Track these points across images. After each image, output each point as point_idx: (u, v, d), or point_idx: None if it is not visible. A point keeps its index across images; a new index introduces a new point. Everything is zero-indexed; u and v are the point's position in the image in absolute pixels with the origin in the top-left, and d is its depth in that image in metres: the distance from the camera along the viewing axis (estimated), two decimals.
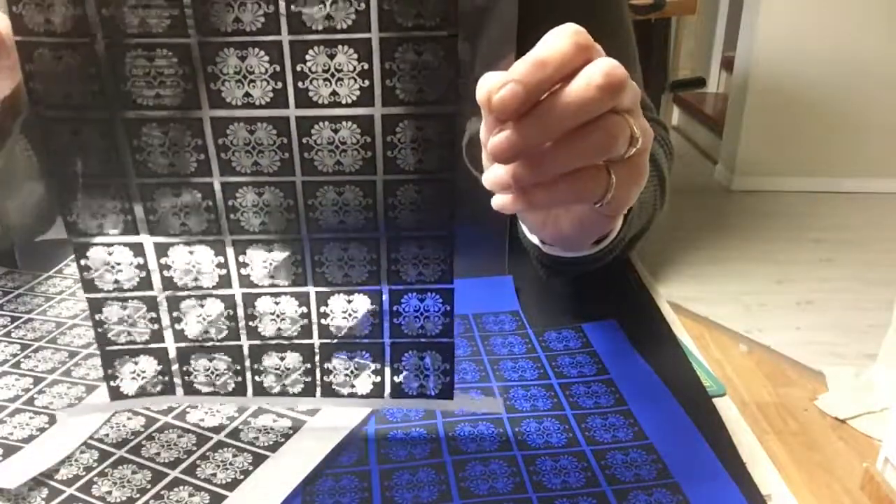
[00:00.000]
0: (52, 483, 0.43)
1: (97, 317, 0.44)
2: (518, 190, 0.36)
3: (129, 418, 0.49)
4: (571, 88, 0.33)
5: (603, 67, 0.33)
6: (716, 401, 0.51)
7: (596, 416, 0.49)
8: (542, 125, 0.33)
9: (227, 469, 0.44)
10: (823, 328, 2.25)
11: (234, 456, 0.45)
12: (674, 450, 0.45)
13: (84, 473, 0.44)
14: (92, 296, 0.43)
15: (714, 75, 4.07)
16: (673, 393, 0.51)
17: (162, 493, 0.42)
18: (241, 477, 0.43)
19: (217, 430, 0.48)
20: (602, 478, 0.43)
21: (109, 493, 0.42)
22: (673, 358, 0.56)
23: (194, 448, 0.46)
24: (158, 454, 0.45)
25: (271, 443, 0.46)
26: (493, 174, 0.36)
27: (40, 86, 0.37)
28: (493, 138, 0.34)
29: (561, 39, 0.34)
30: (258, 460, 0.45)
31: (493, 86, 0.33)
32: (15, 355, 0.56)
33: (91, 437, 0.47)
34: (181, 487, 0.43)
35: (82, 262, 0.42)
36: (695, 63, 4.07)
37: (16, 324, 0.60)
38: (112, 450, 0.46)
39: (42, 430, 0.47)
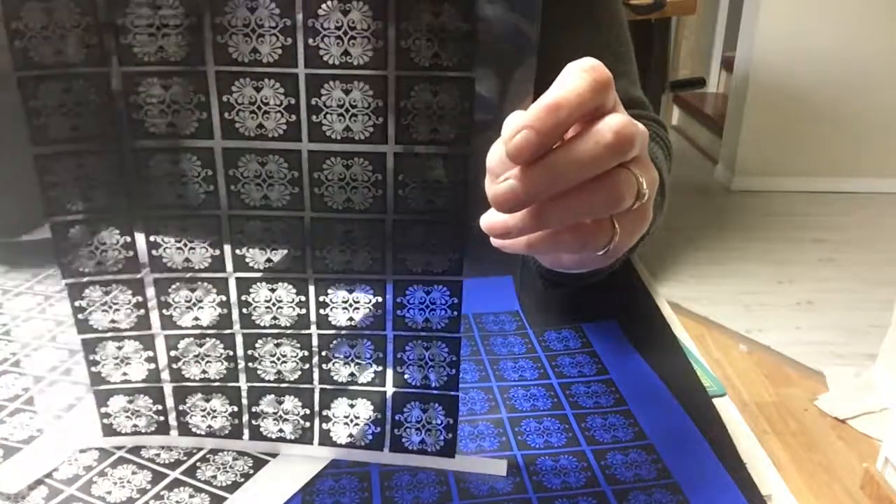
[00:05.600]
0: (51, 482, 0.43)
1: (91, 357, 0.43)
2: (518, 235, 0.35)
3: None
4: (580, 146, 0.32)
5: (613, 125, 0.33)
6: (716, 401, 0.51)
7: (596, 416, 0.49)
8: (547, 179, 0.32)
9: (227, 471, 0.44)
10: (823, 328, 2.25)
11: (235, 459, 0.45)
12: (674, 450, 0.45)
13: (84, 473, 0.44)
14: (86, 336, 0.42)
15: (714, 75, 4.07)
16: (673, 393, 0.51)
17: (162, 493, 0.42)
18: (242, 480, 0.43)
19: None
20: (602, 478, 0.43)
21: (109, 493, 0.42)
22: (673, 358, 0.56)
23: (195, 450, 0.46)
24: (158, 455, 0.45)
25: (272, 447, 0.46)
26: (492, 220, 0.35)
27: (46, 121, 0.36)
28: (495, 187, 0.33)
29: (578, 78, 0.33)
30: (258, 464, 0.45)
31: (510, 131, 0.32)
32: (14, 354, 0.56)
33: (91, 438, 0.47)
34: (181, 488, 0.43)
35: (77, 303, 0.41)
36: (695, 63, 4.07)
37: (16, 322, 0.60)
38: (112, 450, 0.46)
39: (42, 430, 0.47)
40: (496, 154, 0.36)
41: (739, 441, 0.47)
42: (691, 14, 2.75)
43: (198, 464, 0.45)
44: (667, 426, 0.48)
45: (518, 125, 0.32)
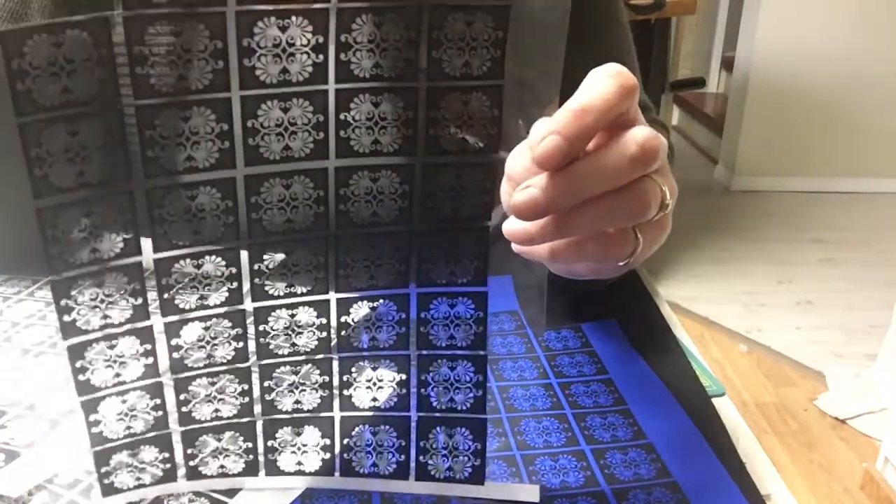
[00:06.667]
0: (51, 487, 0.43)
1: (92, 417, 0.39)
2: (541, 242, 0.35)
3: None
4: (605, 157, 0.32)
5: (638, 138, 0.33)
6: (715, 401, 0.51)
7: (595, 416, 0.49)
8: (570, 188, 0.32)
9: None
10: (823, 328, 2.25)
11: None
12: (673, 449, 0.46)
13: (84, 477, 0.44)
14: (87, 398, 0.38)
15: (714, 75, 4.07)
16: (672, 393, 0.51)
17: (162, 498, 0.42)
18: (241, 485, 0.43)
19: None
20: (601, 477, 0.43)
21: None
22: (672, 358, 0.56)
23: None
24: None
25: None
26: (515, 226, 0.35)
27: (49, 170, 0.32)
28: (517, 195, 0.33)
29: (604, 83, 0.32)
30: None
31: (537, 137, 0.32)
32: (15, 360, 0.56)
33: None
34: (181, 493, 0.43)
35: (78, 363, 0.37)
36: (695, 63, 4.07)
37: (16, 328, 0.60)
38: None
39: (44, 435, 0.47)
40: (519, 160, 0.35)
41: (739, 441, 0.47)
42: (691, 14, 2.75)
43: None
44: (666, 426, 0.48)
45: (545, 130, 0.32)
